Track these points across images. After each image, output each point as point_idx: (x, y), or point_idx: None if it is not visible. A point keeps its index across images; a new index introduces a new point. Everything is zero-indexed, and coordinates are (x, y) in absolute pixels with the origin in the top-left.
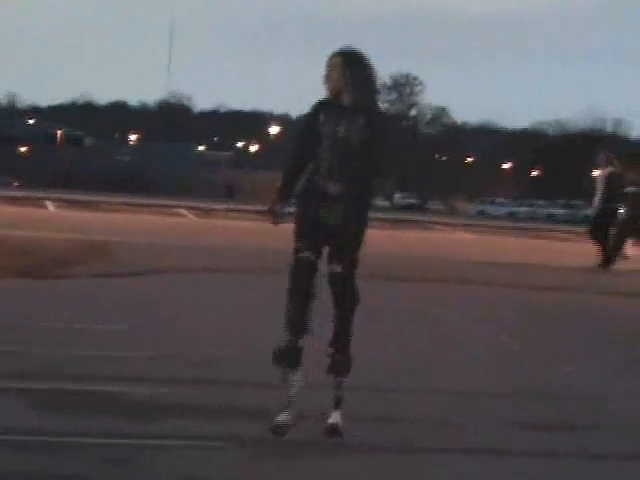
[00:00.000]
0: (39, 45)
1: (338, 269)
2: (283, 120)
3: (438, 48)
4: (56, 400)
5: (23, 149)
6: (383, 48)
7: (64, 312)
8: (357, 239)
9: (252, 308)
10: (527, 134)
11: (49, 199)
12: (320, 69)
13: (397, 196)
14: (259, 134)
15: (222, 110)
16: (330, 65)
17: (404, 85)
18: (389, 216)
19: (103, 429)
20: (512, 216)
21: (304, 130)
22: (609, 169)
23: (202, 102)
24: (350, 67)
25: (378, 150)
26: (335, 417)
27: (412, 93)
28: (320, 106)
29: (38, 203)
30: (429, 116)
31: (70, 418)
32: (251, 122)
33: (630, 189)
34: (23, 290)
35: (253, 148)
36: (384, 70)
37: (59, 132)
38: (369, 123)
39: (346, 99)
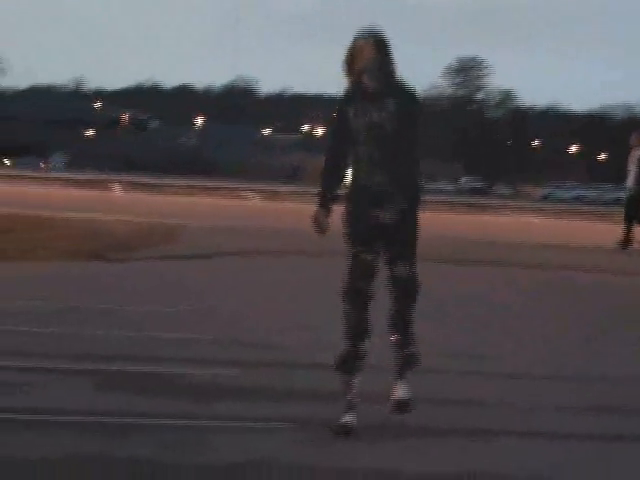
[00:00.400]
0: (106, 29)
1: (406, 271)
2: None
3: (505, 31)
4: (120, 381)
5: (89, 133)
6: (451, 32)
7: (131, 294)
8: (416, 235)
9: (314, 290)
10: (595, 117)
11: (115, 181)
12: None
13: (463, 180)
14: (324, 117)
15: (287, 94)
16: (357, 48)
17: (471, 68)
18: (455, 199)
19: (166, 410)
20: (579, 200)
21: (335, 132)
22: None
23: (267, 86)
24: (380, 50)
25: (407, 139)
26: (401, 391)
27: (479, 76)
28: (346, 100)
29: (104, 186)
30: (495, 99)
31: (133, 399)
32: (316, 105)
33: None
34: (93, 272)
35: (318, 131)
36: (452, 53)
37: (124, 116)
38: (400, 107)
39: (372, 84)
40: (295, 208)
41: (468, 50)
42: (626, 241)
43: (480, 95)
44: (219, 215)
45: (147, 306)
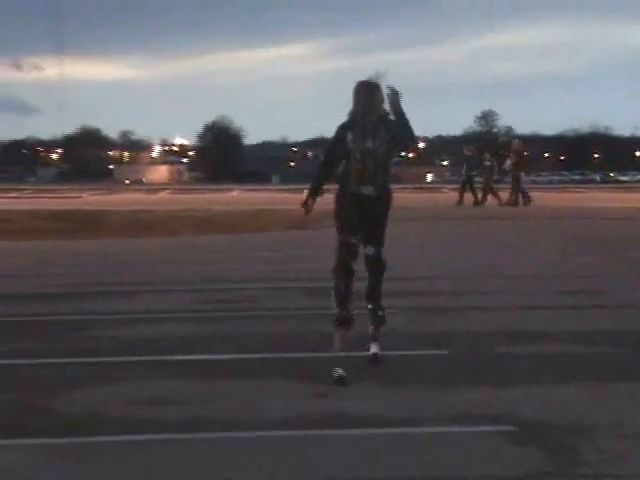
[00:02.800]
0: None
1: (374, 251)
2: None
3: None
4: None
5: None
6: None
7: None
8: (384, 227)
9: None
10: None
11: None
12: None
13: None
14: None
15: None
16: (363, 92)
17: None
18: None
19: None
20: None
21: (332, 147)
22: None
23: None
24: (375, 92)
25: (398, 123)
26: (375, 347)
27: None
28: (346, 127)
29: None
30: None
31: None
32: None
33: None
34: (299, 235)
35: None
36: None
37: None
38: (387, 128)
39: (373, 117)
40: None
41: None
42: None
43: None
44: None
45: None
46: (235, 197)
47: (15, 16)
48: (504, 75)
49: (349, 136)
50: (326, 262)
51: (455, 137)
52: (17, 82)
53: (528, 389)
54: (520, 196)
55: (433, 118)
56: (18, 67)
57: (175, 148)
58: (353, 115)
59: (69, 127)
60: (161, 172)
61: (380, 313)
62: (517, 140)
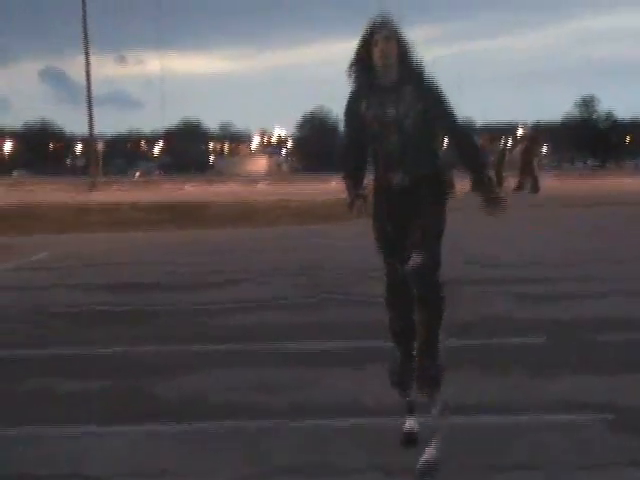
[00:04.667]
0: None
1: (416, 262)
2: None
3: None
4: None
5: None
6: None
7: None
8: (435, 229)
9: None
10: None
11: None
12: None
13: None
14: None
15: None
16: (382, 39)
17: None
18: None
19: None
20: None
21: (348, 126)
22: None
23: None
24: (400, 39)
25: (444, 110)
26: (430, 452)
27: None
28: (358, 92)
29: None
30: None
31: None
32: None
33: None
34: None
35: None
36: None
37: None
38: (420, 94)
39: (392, 76)
40: None
41: None
42: None
43: None
44: None
45: None
46: (334, 187)
47: (118, 12)
48: (606, 59)
49: (363, 105)
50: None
51: (554, 123)
52: (120, 76)
53: (628, 377)
54: (529, 182)
55: (532, 104)
56: (121, 61)
57: (273, 139)
58: (364, 76)
59: (170, 120)
60: (260, 163)
61: (432, 372)
62: (530, 127)
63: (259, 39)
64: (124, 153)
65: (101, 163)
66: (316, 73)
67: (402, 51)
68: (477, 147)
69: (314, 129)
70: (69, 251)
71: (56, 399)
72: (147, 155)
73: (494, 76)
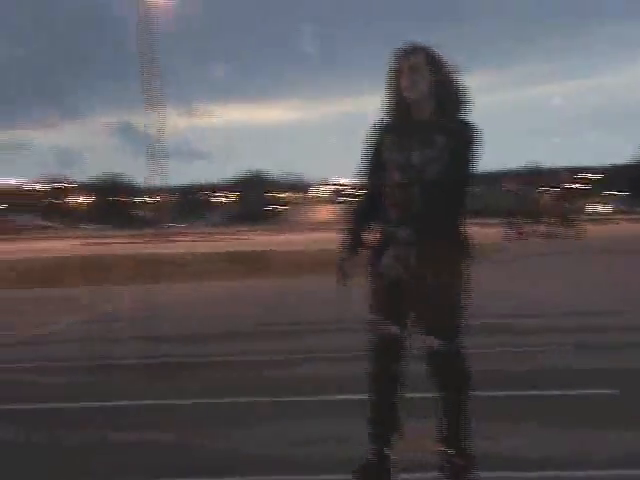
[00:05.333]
0: None
1: (436, 344)
2: None
3: None
4: None
5: None
6: None
7: None
8: (455, 297)
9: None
10: None
11: None
12: None
13: None
14: None
15: None
16: (410, 66)
17: None
18: None
19: None
20: None
21: (368, 163)
22: None
23: None
24: (436, 68)
25: (461, 172)
26: None
27: None
28: (385, 126)
29: None
30: None
31: None
32: None
33: None
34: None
35: None
36: None
37: None
38: (452, 141)
39: (422, 113)
40: None
41: None
42: None
43: None
44: None
45: None
46: None
47: (184, 67)
48: None
49: (387, 141)
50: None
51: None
52: (188, 129)
53: None
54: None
55: (607, 147)
56: (189, 114)
57: (339, 187)
58: (392, 111)
59: (236, 170)
60: (325, 211)
61: (461, 462)
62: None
63: (317, 90)
64: (192, 203)
65: (169, 214)
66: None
67: (436, 84)
68: (457, 232)
69: None
70: (138, 302)
71: (112, 451)
72: (214, 205)
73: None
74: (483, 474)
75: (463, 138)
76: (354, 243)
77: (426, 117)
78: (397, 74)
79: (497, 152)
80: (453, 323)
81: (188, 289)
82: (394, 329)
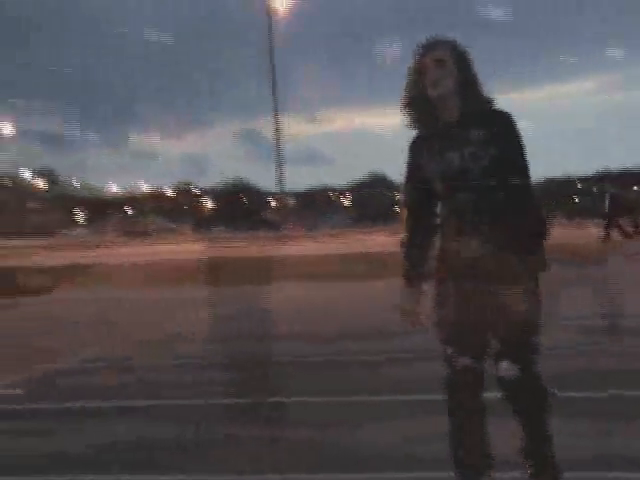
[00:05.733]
0: None
1: (511, 371)
2: None
3: None
4: None
5: None
6: None
7: None
8: (529, 327)
9: None
10: None
11: None
12: None
13: None
14: None
15: None
16: (432, 62)
17: None
18: None
19: None
20: None
21: (410, 181)
22: None
23: None
24: (460, 63)
25: (517, 166)
26: None
27: None
28: (419, 140)
29: None
30: None
31: None
32: None
33: None
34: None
35: None
36: None
37: None
38: (489, 132)
39: (452, 111)
40: None
41: None
42: None
43: None
44: None
45: None
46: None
47: (307, 73)
48: None
49: (425, 154)
50: None
51: None
52: (312, 134)
53: None
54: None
55: None
56: (312, 120)
57: None
58: (417, 116)
59: (357, 174)
60: None
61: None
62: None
63: None
64: (315, 207)
65: (292, 217)
66: None
67: (463, 78)
68: (544, 225)
69: None
70: (271, 302)
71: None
72: (337, 208)
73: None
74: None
75: (502, 126)
76: (414, 275)
77: (454, 115)
78: (420, 71)
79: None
80: (527, 345)
81: (339, 288)
82: (468, 360)
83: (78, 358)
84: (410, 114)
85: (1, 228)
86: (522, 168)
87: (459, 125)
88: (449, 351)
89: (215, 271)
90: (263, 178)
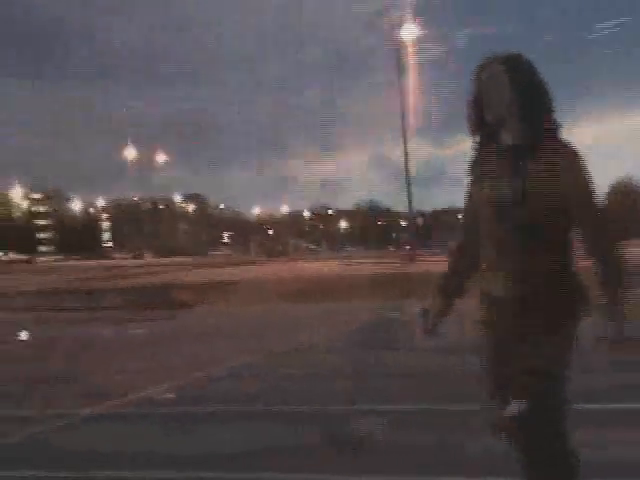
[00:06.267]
0: None
1: (514, 411)
2: None
3: None
4: None
5: None
6: None
7: None
8: (551, 369)
9: None
10: None
11: None
12: None
13: None
14: None
15: None
16: (487, 81)
17: None
18: None
19: None
20: None
21: (466, 208)
22: None
23: None
24: (518, 81)
25: (584, 199)
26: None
27: None
28: (474, 160)
29: None
30: None
31: None
32: None
33: None
34: None
35: None
36: None
37: None
38: (552, 166)
39: (507, 135)
40: None
41: None
42: None
43: None
44: None
45: None
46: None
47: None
48: None
49: (478, 175)
50: None
51: None
52: (441, 157)
53: None
54: None
55: None
56: (439, 144)
57: None
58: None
59: None
60: None
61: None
62: None
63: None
64: (445, 227)
65: (421, 237)
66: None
67: (523, 101)
68: (620, 262)
69: None
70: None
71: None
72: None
73: None
74: None
75: (561, 161)
76: (445, 291)
77: (513, 139)
78: (478, 92)
79: None
80: (539, 387)
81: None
82: (511, 411)
83: (226, 366)
84: (473, 139)
85: (159, 247)
86: (589, 206)
87: (515, 151)
88: (495, 403)
89: (352, 287)
90: (393, 199)
